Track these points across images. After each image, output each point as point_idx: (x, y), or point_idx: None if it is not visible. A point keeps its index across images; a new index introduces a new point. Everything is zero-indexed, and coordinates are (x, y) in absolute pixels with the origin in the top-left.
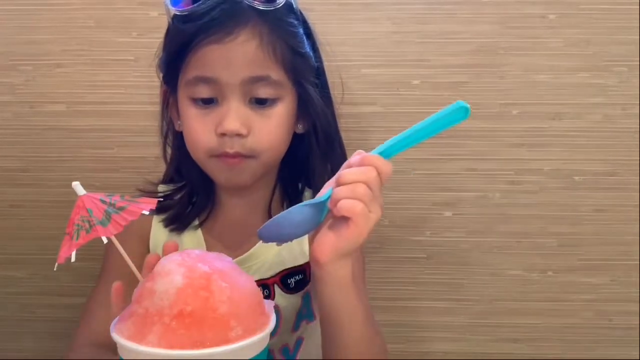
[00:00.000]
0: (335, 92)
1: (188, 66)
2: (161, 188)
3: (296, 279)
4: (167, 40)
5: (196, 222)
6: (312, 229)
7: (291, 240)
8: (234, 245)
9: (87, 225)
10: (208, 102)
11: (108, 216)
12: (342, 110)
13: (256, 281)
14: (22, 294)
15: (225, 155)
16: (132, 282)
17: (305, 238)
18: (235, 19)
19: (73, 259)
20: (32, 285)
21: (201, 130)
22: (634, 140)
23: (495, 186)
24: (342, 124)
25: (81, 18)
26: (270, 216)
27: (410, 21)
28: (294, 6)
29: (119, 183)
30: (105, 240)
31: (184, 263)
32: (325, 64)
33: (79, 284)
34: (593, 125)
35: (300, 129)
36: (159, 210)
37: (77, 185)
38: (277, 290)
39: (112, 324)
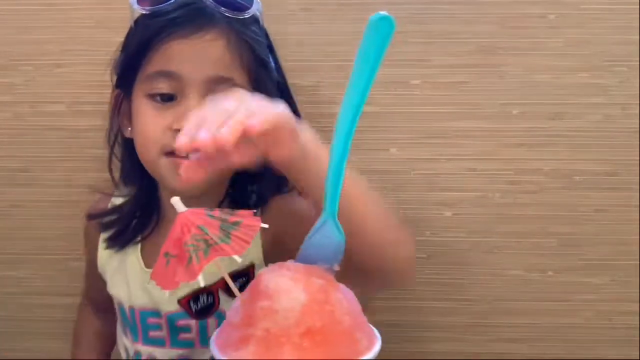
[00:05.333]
0: (336, 92)
1: (149, 62)
2: (114, 200)
3: (240, 282)
4: (128, 40)
5: (138, 238)
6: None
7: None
8: None
9: (202, 244)
10: (167, 100)
11: (226, 233)
12: None
13: (201, 288)
14: (22, 294)
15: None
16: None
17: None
18: (203, 19)
19: (202, 284)
20: (32, 285)
21: (156, 126)
22: (634, 140)
23: (495, 186)
24: None
25: (81, 18)
26: None
27: (410, 21)
28: (260, 21)
29: None
30: (239, 260)
31: (296, 277)
32: (289, 81)
33: (79, 284)
34: (593, 125)
35: None
36: (104, 227)
37: (177, 202)
38: (222, 296)
39: (216, 352)
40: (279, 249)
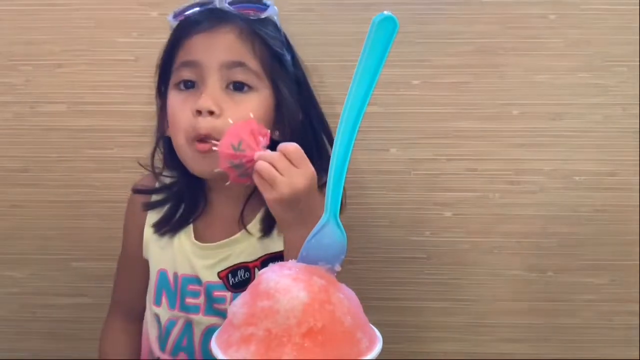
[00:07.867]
0: (337, 92)
1: (177, 59)
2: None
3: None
4: (164, 49)
5: (190, 220)
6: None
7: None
8: (221, 235)
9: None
10: (190, 87)
11: None
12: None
13: (239, 264)
14: (22, 294)
15: (199, 139)
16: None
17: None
18: (220, 17)
19: None
20: (32, 285)
21: (180, 112)
22: (634, 140)
23: (495, 186)
24: None
25: (81, 18)
26: (244, 209)
27: (410, 21)
28: (277, 24)
29: (119, 183)
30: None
31: (298, 277)
32: (312, 86)
33: (79, 284)
34: (593, 125)
35: (277, 135)
36: (151, 205)
37: None
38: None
39: (217, 352)
40: None
